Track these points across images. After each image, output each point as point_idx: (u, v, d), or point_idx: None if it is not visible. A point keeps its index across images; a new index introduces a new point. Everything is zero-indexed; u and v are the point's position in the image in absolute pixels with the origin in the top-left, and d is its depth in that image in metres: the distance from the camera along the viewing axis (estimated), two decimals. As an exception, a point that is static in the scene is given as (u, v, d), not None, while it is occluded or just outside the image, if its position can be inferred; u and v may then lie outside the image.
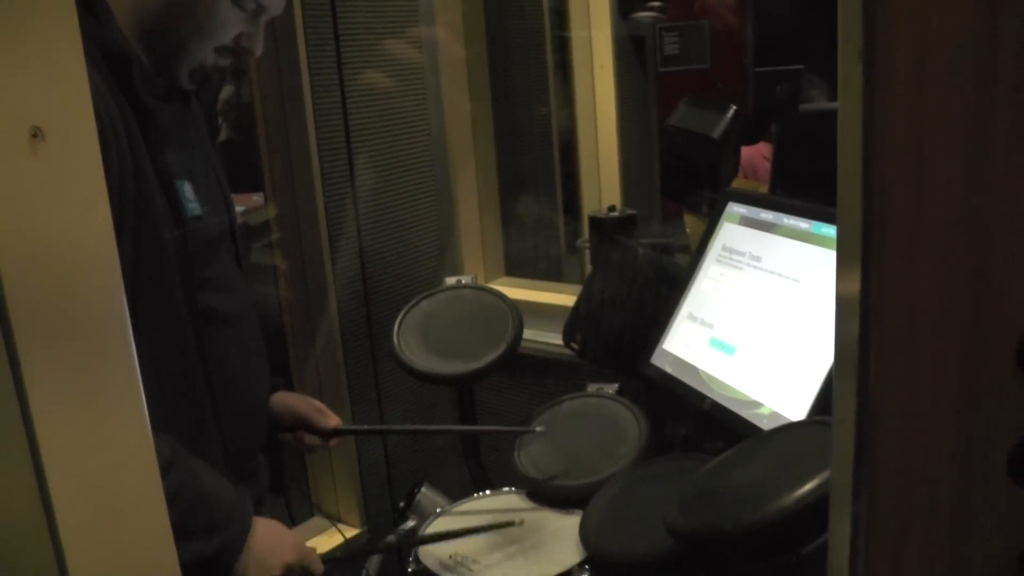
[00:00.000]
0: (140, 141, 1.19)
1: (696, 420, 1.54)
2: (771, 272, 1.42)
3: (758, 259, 1.45)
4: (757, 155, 2.62)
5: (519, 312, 1.66)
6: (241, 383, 1.38)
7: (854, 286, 0.44)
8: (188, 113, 1.37)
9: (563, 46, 2.37)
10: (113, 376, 0.49)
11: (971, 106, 0.39)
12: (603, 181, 2.36)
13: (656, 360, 1.53)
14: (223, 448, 1.33)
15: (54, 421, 0.46)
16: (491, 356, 1.57)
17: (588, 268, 2.04)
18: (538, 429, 1.50)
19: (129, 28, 1.23)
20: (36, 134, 0.43)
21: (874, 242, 0.41)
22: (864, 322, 0.42)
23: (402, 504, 1.51)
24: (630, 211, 2.02)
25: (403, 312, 1.69)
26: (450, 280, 1.76)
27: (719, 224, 1.57)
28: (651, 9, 2.55)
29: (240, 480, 1.39)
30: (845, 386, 0.47)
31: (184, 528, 1.14)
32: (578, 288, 1.69)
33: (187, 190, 1.29)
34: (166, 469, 1.11)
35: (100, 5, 1.20)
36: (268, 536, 1.28)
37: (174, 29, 1.25)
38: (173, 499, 1.15)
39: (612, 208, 2.01)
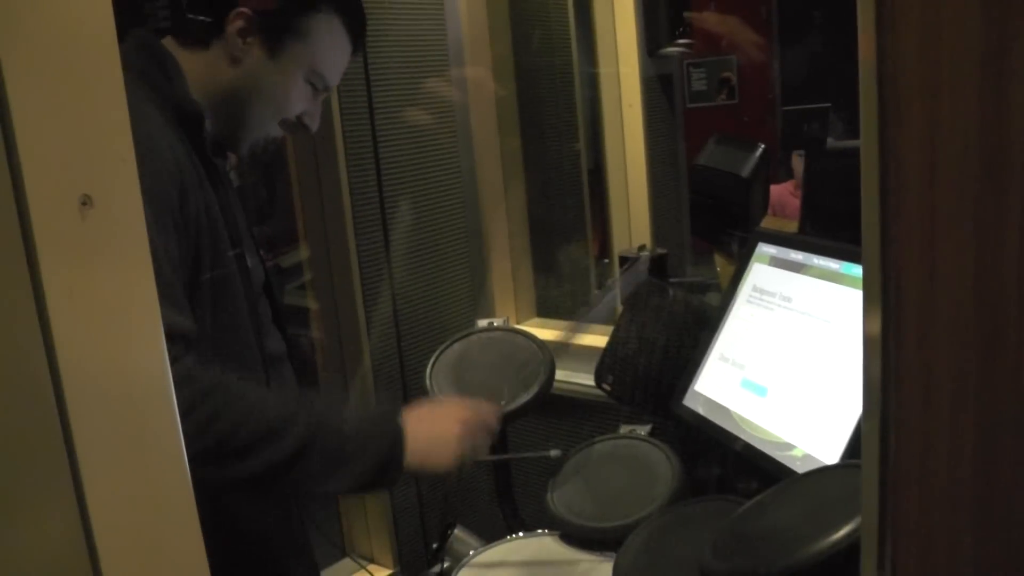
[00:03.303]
0: (213, 196, 1.23)
1: (729, 462, 1.54)
2: (802, 313, 1.42)
3: (788, 300, 1.45)
4: (786, 192, 2.63)
5: (551, 353, 1.66)
6: None
7: (875, 328, 0.45)
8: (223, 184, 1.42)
9: (592, 84, 2.39)
10: (158, 441, 0.50)
11: (982, 175, 0.40)
12: (633, 220, 2.37)
13: (688, 401, 1.52)
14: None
15: (103, 490, 0.47)
16: (524, 398, 1.57)
17: (619, 308, 2.04)
18: (553, 454, 1.51)
19: (199, 94, 1.27)
20: (85, 202, 0.45)
21: (892, 306, 0.42)
22: (885, 383, 0.43)
23: (435, 545, 1.52)
24: (660, 250, 2.03)
25: (436, 354, 1.70)
26: (482, 322, 1.77)
27: (749, 264, 1.57)
28: (678, 44, 2.57)
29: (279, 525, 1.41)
30: (871, 426, 0.48)
31: (337, 458, 1.18)
32: (610, 328, 1.70)
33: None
34: (293, 418, 1.17)
35: (171, 65, 1.24)
36: (424, 422, 1.29)
37: (247, 102, 1.29)
38: (312, 442, 1.16)
39: (642, 247, 2.02)
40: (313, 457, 1.17)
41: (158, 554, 0.52)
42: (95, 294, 0.46)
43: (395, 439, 1.24)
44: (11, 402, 0.45)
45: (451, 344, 1.71)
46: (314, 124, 1.38)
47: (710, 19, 2.63)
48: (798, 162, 2.86)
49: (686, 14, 2.65)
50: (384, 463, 1.22)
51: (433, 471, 1.28)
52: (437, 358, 1.68)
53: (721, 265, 2.35)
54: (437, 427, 1.29)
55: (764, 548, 0.99)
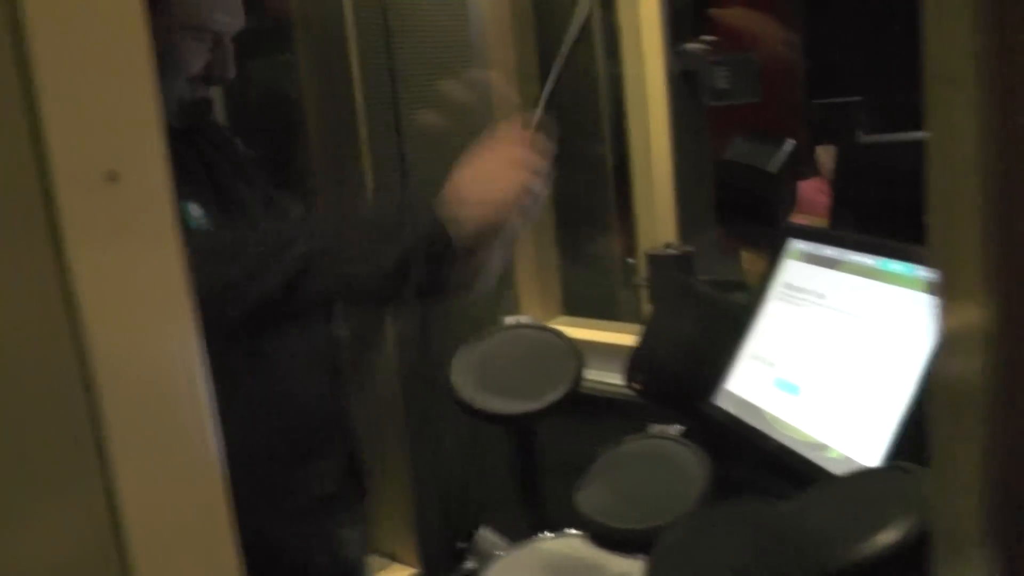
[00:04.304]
0: None
1: (760, 462, 1.51)
2: (836, 310, 1.39)
3: (822, 296, 1.42)
4: (811, 189, 2.59)
5: (580, 352, 1.64)
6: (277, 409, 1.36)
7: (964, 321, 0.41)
8: (216, 151, 1.41)
9: (616, 81, 2.36)
10: (188, 426, 0.48)
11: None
12: (658, 217, 2.34)
13: (719, 400, 1.50)
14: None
15: (133, 478, 0.46)
16: (553, 396, 1.55)
17: (645, 306, 2.02)
18: None
19: None
20: (111, 177, 0.43)
21: (1002, 292, 0.38)
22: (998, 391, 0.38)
23: (461, 545, 1.50)
24: (687, 248, 2.00)
25: (462, 351, 1.67)
26: (509, 320, 1.75)
27: (781, 261, 1.54)
28: (700, 42, 2.53)
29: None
30: (948, 433, 0.44)
31: (367, 244, 1.10)
32: (637, 327, 1.67)
33: (191, 209, 1.31)
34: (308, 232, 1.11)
35: None
36: (464, 165, 1.17)
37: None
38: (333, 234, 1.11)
39: (669, 245, 1.99)
40: (345, 237, 1.11)
41: (189, 540, 0.50)
42: (122, 270, 0.44)
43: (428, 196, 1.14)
44: (37, 391, 0.43)
45: (477, 341, 1.68)
46: (228, 72, 1.34)
47: (734, 16, 2.60)
48: (825, 158, 2.83)
49: (710, 11, 2.62)
50: (422, 212, 1.12)
51: (495, 209, 1.13)
52: (463, 355, 1.65)
53: (748, 263, 2.31)
54: (481, 161, 1.17)
55: (809, 551, 0.96)
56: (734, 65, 2.52)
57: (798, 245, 1.53)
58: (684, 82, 2.46)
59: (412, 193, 1.14)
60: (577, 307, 2.27)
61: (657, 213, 2.34)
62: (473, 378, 1.61)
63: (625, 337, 1.92)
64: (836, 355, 1.35)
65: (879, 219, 1.86)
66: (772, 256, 1.56)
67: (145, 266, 0.45)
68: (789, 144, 1.89)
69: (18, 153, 0.41)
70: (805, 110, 2.24)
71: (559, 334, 1.68)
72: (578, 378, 1.59)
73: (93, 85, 0.42)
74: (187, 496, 0.50)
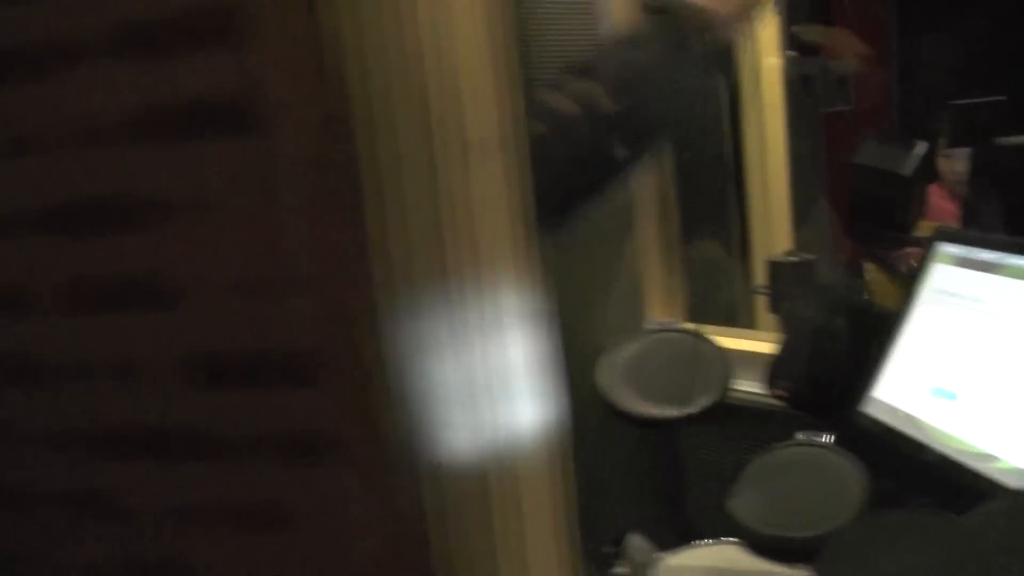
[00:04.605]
0: None
1: (915, 472, 1.47)
2: (995, 314, 1.35)
3: (978, 301, 1.38)
4: (932, 195, 2.54)
5: (727, 357, 1.62)
6: None
7: None
8: None
9: (734, 86, 2.34)
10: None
11: None
12: (773, 224, 2.31)
13: (867, 408, 1.46)
14: None
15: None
16: (706, 400, 1.53)
17: (763, 314, 1.99)
18: None
19: None
20: (473, 145, 0.44)
21: None
22: None
23: (609, 550, 1.49)
24: (808, 255, 1.97)
25: (609, 355, 1.67)
26: (654, 324, 1.74)
27: (929, 265, 1.50)
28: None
29: None
30: None
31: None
32: (762, 333, 1.65)
33: None
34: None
35: None
36: None
37: None
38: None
39: (790, 252, 1.97)
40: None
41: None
42: (479, 234, 0.46)
43: None
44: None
45: (624, 344, 1.68)
46: None
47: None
48: (945, 165, 2.78)
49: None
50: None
51: None
52: (610, 358, 1.65)
53: (872, 273, 2.27)
54: None
55: (1000, 568, 0.93)
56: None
57: (947, 249, 1.50)
58: (803, 86, 2.43)
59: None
60: (700, 314, 2.25)
61: (773, 220, 2.31)
62: (623, 382, 1.60)
63: (751, 344, 1.90)
64: (998, 361, 1.31)
65: (1016, 222, 1.81)
66: (921, 261, 1.53)
67: (506, 231, 0.47)
68: (921, 147, 1.85)
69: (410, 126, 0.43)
70: (939, 114, 2.20)
71: (704, 339, 1.67)
72: (728, 383, 1.57)
73: (456, 61, 0.44)
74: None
